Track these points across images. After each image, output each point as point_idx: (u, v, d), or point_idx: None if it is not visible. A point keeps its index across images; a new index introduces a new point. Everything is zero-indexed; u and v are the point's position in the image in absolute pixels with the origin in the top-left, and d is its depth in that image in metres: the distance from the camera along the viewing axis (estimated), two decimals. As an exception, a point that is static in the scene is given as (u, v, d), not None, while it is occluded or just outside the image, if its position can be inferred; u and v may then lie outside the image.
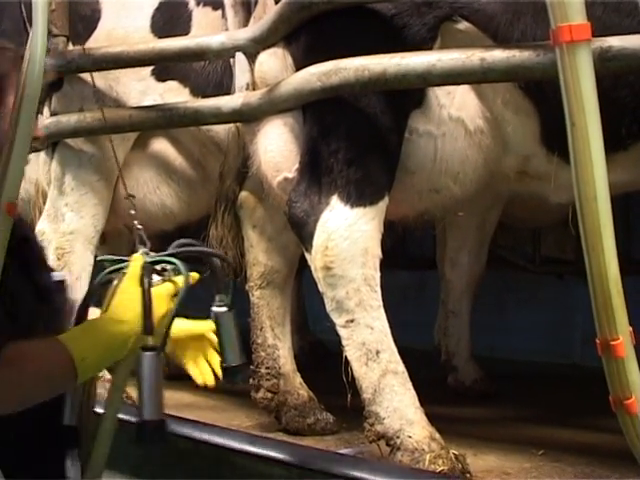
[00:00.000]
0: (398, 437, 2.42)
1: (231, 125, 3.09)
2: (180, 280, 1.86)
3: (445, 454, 2.37)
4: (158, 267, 1.90)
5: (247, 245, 3.11)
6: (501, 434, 2.97)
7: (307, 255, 2.62)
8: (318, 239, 2.53)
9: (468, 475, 2.38)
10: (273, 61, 2.75)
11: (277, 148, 2.73)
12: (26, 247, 2.01)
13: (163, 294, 1.86)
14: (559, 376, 4.27)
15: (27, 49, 2.22)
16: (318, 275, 2.54)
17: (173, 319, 1.87)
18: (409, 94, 2.53)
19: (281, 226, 2.98)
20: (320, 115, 2.59)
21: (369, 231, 2.53)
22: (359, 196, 2.52)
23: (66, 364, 1.79)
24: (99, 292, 1.95)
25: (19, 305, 1.87)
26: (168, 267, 1.90)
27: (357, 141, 2.54)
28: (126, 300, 1.87)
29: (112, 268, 1.96)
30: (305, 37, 2.61)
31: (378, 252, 2.56)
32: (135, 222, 2.04)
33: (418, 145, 2.62)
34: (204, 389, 2.14)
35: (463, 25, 2.49)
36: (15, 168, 1.88)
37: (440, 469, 2.32)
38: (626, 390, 1.74)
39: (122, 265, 1.94)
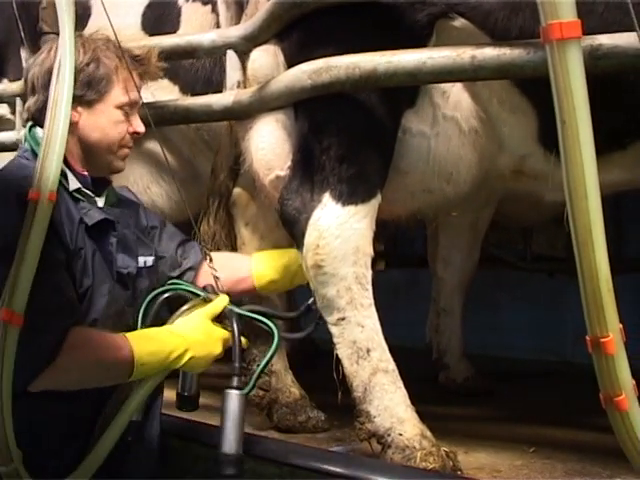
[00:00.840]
0: (389, 435, 2.42)
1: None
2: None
3: (436, 452, 2.37)
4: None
5: (239, 243, 3.10)
6: (492, 431, 2.97)
7: (299, 253, 2.61)
8: (309, 237, 2.52)
9: (459, 472, 2.39)
10: (265, 58, 2.74)
11: (269, 146, 2.72)
12: (116, 232, 2.16)
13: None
14: (550, 373, 4.29)
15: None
16: (309, 273, 2.54)
17: (264, 368, 2.17)
18: (402, 93, 2.52)
19: (273, 224, 2.97)
20: (312, 112, 2.57)
21: (361, 229, 2.52)
22: (351, 194, 2.51)
23: (126, 363, 1.97)
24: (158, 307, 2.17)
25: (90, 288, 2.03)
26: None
27: (349, 138, 2.52)
28: (194, 323, 2.09)
29: (171, 287, 2.22)
30: (297, 35, 2.60)
31: (370, 250, 2.55)
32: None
33: (411, 145, 2.61)
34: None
35: (459, 22, 2.45)
36: (54, 161, 2.02)
37: (431, 467, 2.32)
38: (616, 387, 1.74)
39: (191, 289, 2.21)
